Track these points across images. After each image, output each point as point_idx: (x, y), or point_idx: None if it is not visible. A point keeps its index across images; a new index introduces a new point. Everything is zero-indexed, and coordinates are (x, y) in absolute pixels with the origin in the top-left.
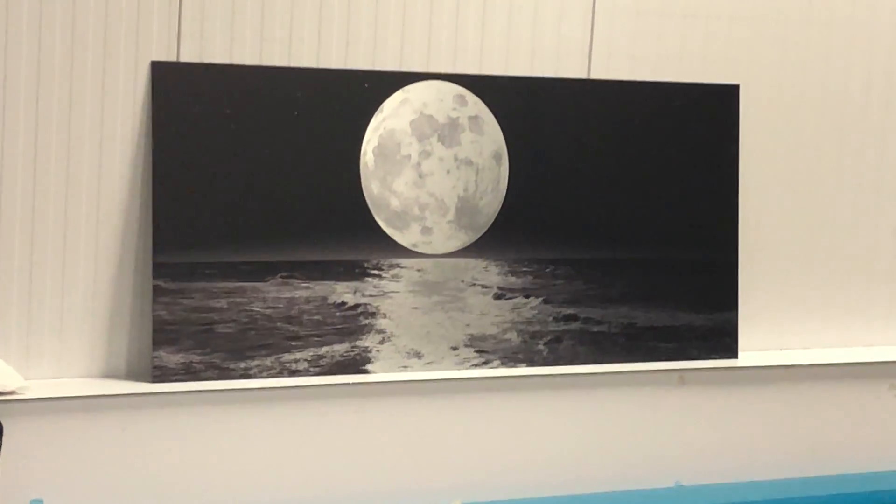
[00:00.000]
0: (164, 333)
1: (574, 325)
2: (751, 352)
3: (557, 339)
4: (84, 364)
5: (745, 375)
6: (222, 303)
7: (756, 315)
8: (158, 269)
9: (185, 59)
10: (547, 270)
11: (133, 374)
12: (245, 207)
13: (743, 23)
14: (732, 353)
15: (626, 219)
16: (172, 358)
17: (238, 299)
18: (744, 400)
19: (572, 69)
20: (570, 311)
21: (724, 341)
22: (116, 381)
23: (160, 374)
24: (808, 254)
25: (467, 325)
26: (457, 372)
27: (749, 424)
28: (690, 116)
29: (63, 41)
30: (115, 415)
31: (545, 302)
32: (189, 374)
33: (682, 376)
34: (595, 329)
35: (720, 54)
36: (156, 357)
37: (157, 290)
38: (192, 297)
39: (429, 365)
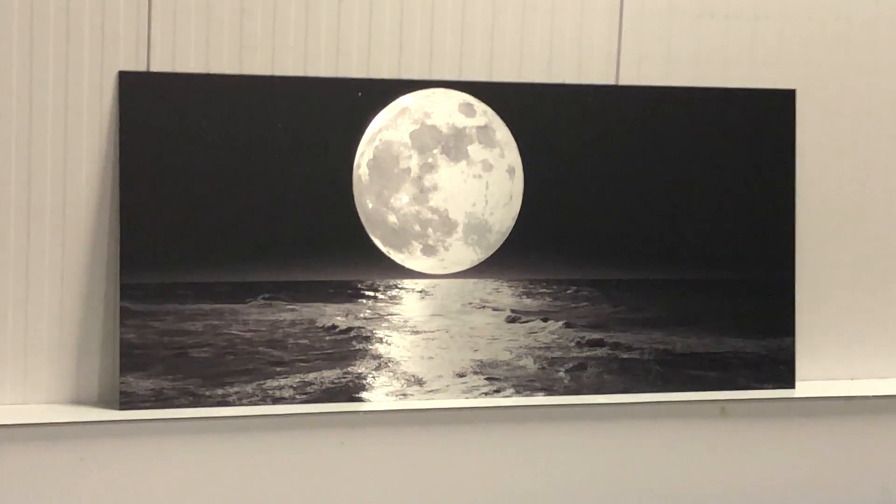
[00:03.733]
0: (132, 358)
1: (600, 352)
2: (809, 381)
3: (581, 366)
4: (53, 390)
5: (802, 407)
6: (197, 326)
7: (815, 341)
8: (126, 291)
9: (155, 68)
10: (568, 292)
11: (104, 401)
12: (223, 225)
13: (797, 22)
14: (788, 382)
15: (662, 237)
16: (142, 384)
17: (215, 322)
18: (800, 435)
19: (597, 75)
20: (595, 335)
21: (778, 370)
22: (79, 407)
23: (128, 400)
24: (873, 273)
25: (475, 350)
26: (464, 401)
27: (805, 462)
28: (739, 124)
29: (20, 51)
30: (73, 444)
31: (566, 326)
32: (160, 400)
33: (723, 407)
34: (625, 356)
35: (772, 57)
36: (123, 383)
37: (124, 313)
38: (164, 320)
39: (431, 393)
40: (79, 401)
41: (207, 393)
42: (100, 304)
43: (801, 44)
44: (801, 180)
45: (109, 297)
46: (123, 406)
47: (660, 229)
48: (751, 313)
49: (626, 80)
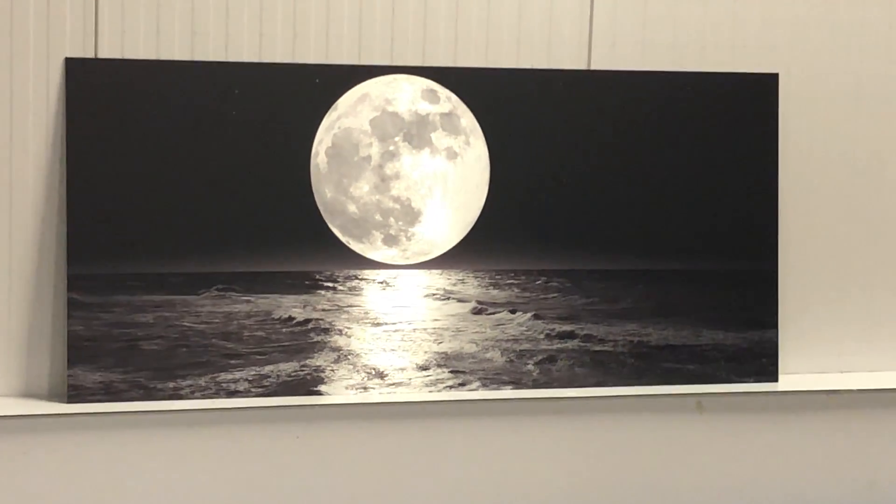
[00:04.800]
0: (79, 350)
1: (571, 344)
2: (793, 375)
3: (551, 358)
4: (1, 383)
5: (785, 401)
6: (148, 317)
7: (799, 333)
8: (73, 282)
9: (103, 54)
10: (537, 283)
11: (54, 395)
12: (174, 215)
13: (779, 4)
14: (771, 376)
15: (637, 226)
16: (90, 376)
17: (166, 314)
18: (784, 430)
19: (568, 59)
20: (566, 327)
21: (760, 363)
22: (25, 400)
23: (76, 393)
24: (860, 262)
25: (439, 342)
26: (428, 394)
27: (789, 458)
28: (719, 109)
29: None
30: (16, 438)
31: (535, 317)
32: (109, 394)
33: (699, 401)
34: (597, 348)
35: (754, 39)
36: (70, 375)
37: (71, 304)
38: (113, 312)
39: (393, 386)
40: (28, 394)
41: (159, 386)
42: (48, 296)
43: (783, 26)
44: (784, 166)
45: (58, 288)
46: (71, 399)
47: (635, 218)
48: (731, 304)
49: (599, 64)
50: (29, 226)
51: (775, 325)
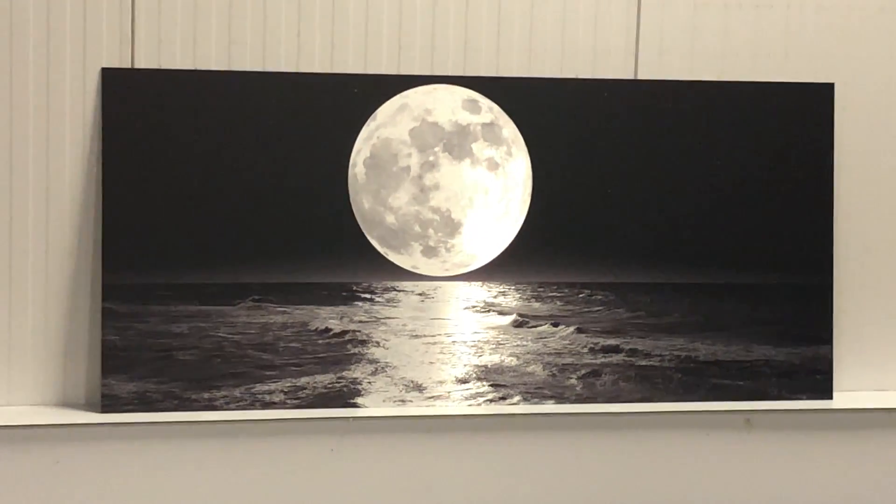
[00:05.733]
0: (114, 360)
1: (616, 358)
2: (848, 392)
3: (595, 373)
4: (38, 392)
5: (840, 419)
6: (183, 328)
7: (855, 349)
8: (108, 291)
9: (140, 65)
10: (580, 296)
11: (91, 404)
12: (210, 225)
13: (834, 12)
14: (825, 393)
15: (684, 239)
16: (124, 387)
17: (201, 324)
18: (838, 449)
19: (614, 69)
20: (610, 341)
21: (814, 379)
22: (59, 409)
23: (110, 403)
24: None
25: (479, 355)
26: (467, 408)
27: (843, 478)
28: (771, 120)
29: None
30: (49, 447)
31: (578, 331)
32: (143, 403)
33: (748, 419)
34: (643, 363)
35: (808, 49)
36: (105, 385)
37: (106, 314)
38: (147, 322)
39: (432, 399)
40: (65, 403)
41: (193, 396)
42: (85, 306)
43: (839, 34)
44: (839, 178)
45: (94, 298)
46: (105, 409)
47: (683, 231)
48: (783, 319)
49: (646, 73)
50: (66, 235)
51: (829, 341)
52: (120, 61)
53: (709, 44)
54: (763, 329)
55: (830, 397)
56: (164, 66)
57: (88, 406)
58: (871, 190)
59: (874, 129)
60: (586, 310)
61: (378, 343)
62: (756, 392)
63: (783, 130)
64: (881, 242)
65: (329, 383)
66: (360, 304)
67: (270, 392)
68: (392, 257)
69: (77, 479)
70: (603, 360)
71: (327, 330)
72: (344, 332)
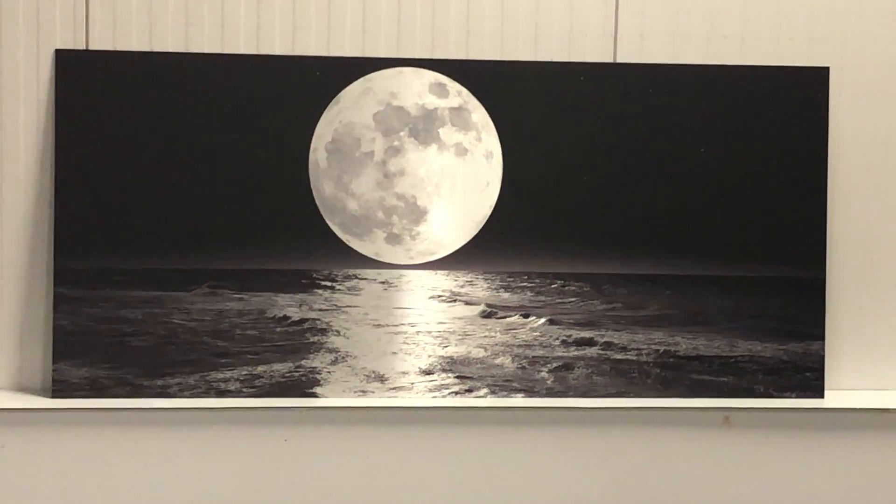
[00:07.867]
0: (65, 345)
1: (590, 351)
2: (839, 391)
3: (567, 366)
4: None
5: (830, 419)
6: (136, 313)
7: (847, 346)
8: (60, 276)
9: (94, 46)
10: (553, 286)
11: (45, 389)
12: (166, 209)
13: None
14: (816, 391)
15: (664, 228)
16: (75, 372)
17: (155, 310)
18: (828, 449)
19: (591, 52)
20: (584, 334)
21: (804, 377)
22: (10, 393)
23: (60, 388)
24: None
25: (444, 346)
26: (430, 400)
27: (831, 478)
28: (760, 105)
29: None
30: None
31: (550, 322)
32: (94, 389)
33: (727, 417)
34: (618, 357)
35: (802, 31)
36: (55, 370)
37: (58, 298)
38: (100, 307)
39: (394, 391)
40: (22, 388)
41: (146, 383)
42: (40, 291)
43: (833, 16)
44: (833, 166)
45: (48, 282)
46: (56, 394)
47: (663, 220)
48: (772, 314)
49: (625, 57)
50: (18, 219)
51: (821, 337)
52: (74, 43)
53: (694, 25)
54: (749, 323)
55: (821, 396)
56: (119, 48)
57: (44, 391)
58: (867, 179)
59: (872, 115)
60: (559, 301)
61: (339, 332)
62: (741, 389)
63: (774, 117)
64: (878, 234)
65: (287, 372)
66: (320, 291)
67: (226, 380)
68: (354, 244)
69: (23, 464)
70: (576, 353)
71: (286, 318)
72: (303, 321)
